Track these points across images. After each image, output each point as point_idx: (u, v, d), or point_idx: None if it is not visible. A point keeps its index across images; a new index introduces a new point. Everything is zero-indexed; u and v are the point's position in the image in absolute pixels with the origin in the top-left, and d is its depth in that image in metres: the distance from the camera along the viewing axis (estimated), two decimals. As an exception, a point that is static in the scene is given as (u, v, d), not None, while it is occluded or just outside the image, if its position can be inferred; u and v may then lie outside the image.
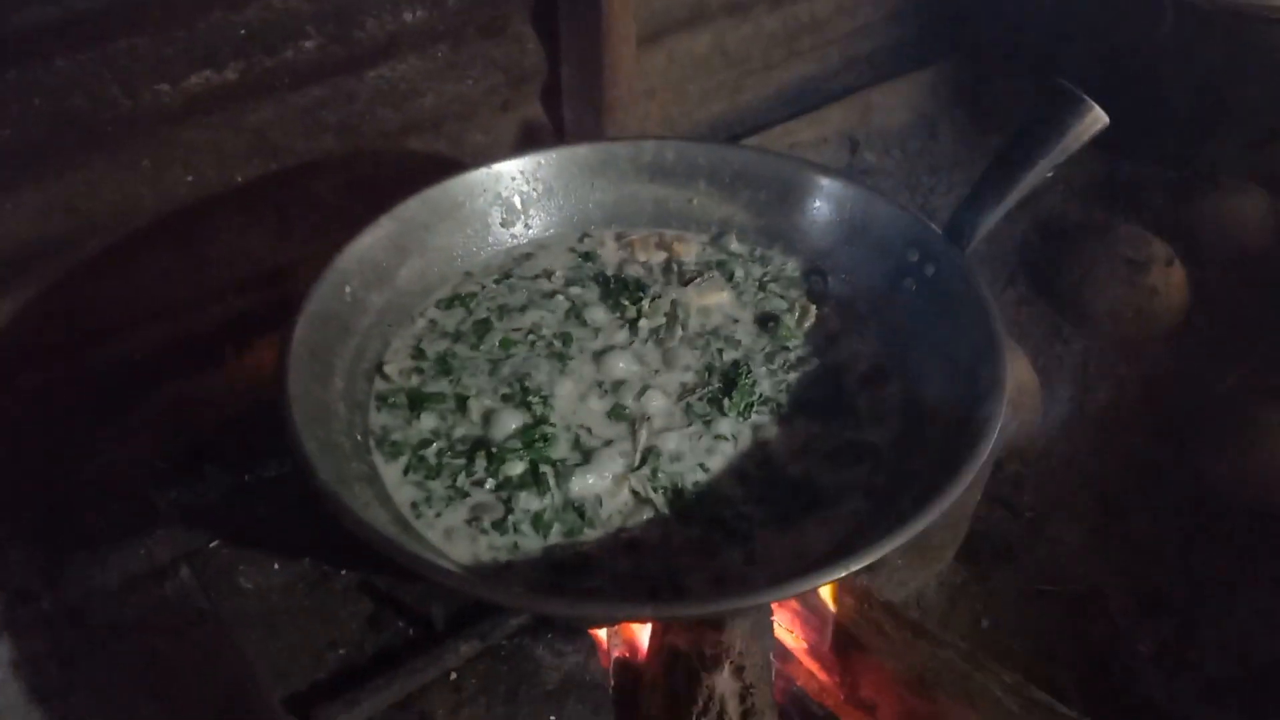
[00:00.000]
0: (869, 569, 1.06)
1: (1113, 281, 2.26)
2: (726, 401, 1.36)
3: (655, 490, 1.26)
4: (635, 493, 1.26)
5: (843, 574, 1.03)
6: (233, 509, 1.42)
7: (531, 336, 1.45)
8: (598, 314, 1.50)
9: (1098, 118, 1.32)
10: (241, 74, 1.64)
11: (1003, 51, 2.69)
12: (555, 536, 1.21)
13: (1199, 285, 2.31)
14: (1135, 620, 1.83)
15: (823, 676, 1.50)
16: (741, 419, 1.36)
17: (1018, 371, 1.84)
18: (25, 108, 1.46)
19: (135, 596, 1.42)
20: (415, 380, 1.38)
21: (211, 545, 1.36)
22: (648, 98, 2.23)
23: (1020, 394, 1.86)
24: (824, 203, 1.55)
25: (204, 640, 1.35)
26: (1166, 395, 2.16)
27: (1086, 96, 1.31)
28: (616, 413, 1.35)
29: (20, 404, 1.63)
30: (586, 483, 1.26)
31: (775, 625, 1.41)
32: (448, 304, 1.49)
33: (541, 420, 1.33)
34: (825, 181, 1.55)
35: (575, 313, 1.50)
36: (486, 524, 1.21)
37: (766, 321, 1.50)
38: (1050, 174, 1.36)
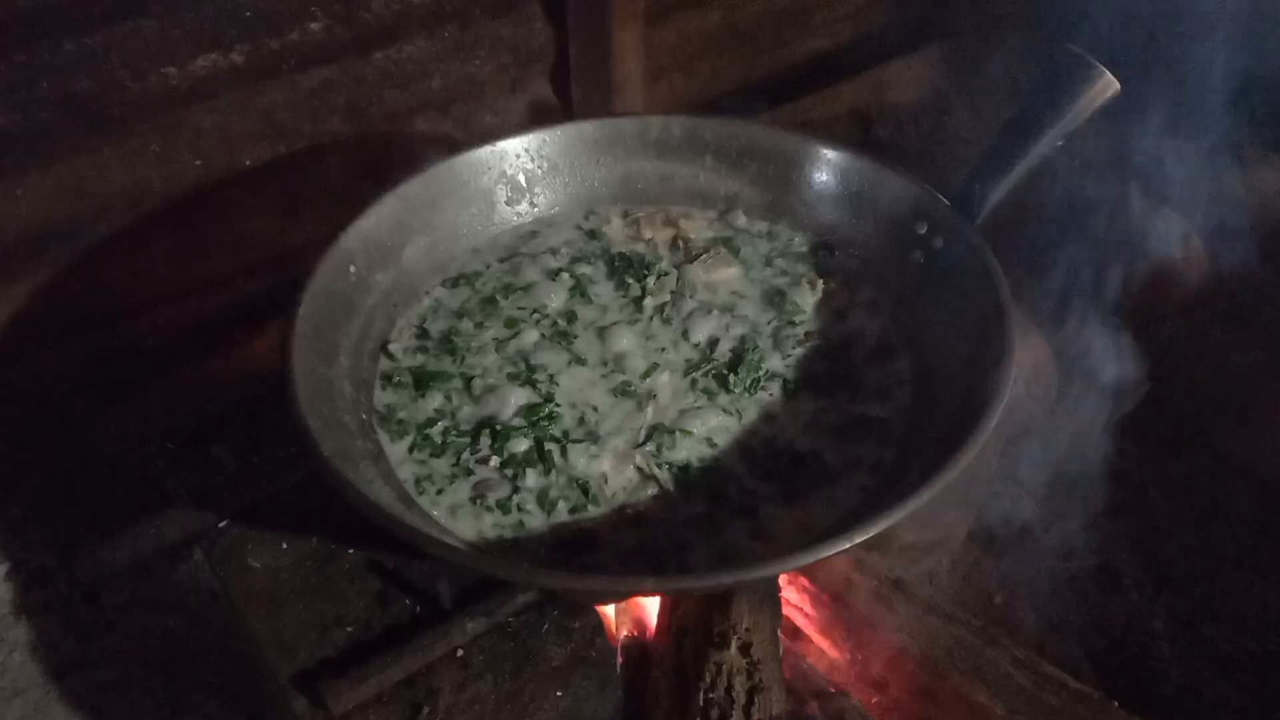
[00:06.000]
0: (875, 542, 1.05)
1: (1129, 256, 2.22)
2: (732, 377, 1.36)
3: (660, 467, 1.26)
4: (640, 469, 1.25)
5: (846, 546, 1.02)
6: (241, 489, 1.43)
7: (536, 315, 1.45)
8: (603, 292, 1.50)
9: (1109, 84, 1.30)
10: (248, 56, 1.64)
11: (1019, 23, 2.65)
12: (560, 514, 1.21)
13: (1217, 260, 2.27)
14: (1150, 597, 1.81)
15: (834, 654, 1.50)
16: (748, 395, 1.35)
17: (1033, 348, 1.82)
18: (33, 91, 1.46)
19: (148, 576, 1.44)
20: (420, 359, 1.38)
21: (221, 525, 1.38)
22: (657, 76, 2.21)
23: (1035, 370, 1.84)
24: (830, 176, 1.53)
25: (215, 619, 1.36)
26: (1184, 370, 2.13)
27: (1097, 62, 1.29)
28: (622, 390, 1.35)
29: (34, 383, 1.65)
30: (591, 460, 1.25)
31: (785, 603, 1.40)
32: (453, 283, 1.49)
33: (547, 399, 1.33)
34: (831, 154, 1.53)
35: (581, 291, 1.49)
36: (491, 501, 1.21)
37: (774, 297, 1.49)
38: (1061, 143, 1.34)
